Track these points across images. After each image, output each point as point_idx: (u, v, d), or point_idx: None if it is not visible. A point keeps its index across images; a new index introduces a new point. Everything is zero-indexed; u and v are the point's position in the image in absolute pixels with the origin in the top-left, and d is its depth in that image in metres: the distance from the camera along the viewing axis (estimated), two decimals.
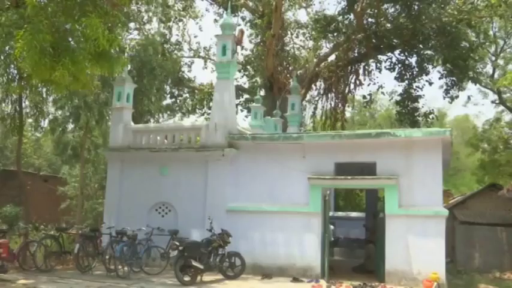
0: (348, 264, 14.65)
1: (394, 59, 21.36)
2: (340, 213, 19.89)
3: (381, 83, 24.05)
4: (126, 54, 15.90)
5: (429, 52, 20.56)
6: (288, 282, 11.21)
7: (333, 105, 22.79)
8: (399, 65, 21.18)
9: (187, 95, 25.95)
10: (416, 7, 19.43)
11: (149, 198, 13.56)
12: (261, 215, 12.40)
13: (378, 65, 21.81)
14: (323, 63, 22.51)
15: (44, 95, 14.84)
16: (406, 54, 21.01)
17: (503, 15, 20.09)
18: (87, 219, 18.80)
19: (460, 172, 39.57)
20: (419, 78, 21.01)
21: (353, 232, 17.70)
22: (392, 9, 20.77)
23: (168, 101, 24.49)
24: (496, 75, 27.48)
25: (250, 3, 22.69)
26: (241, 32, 14.21)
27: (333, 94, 22.70)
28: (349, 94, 23.21)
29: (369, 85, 24.78)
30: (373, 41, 20.54)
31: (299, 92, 19.97)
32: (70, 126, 17.94)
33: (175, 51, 23.73)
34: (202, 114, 25.29)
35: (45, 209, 19.43)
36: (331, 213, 14.11)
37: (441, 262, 10.98)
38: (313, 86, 23.07)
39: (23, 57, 8.81)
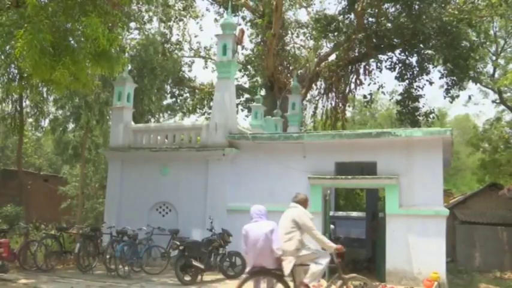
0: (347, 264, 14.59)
1: (394, 59, 21.32)
2: (340, 213, 19.89)
3: (381, 83, 24.04)
4: (126, 53, 15.86)
5: (430, 52, 20.50)
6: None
7: (333, 104, 22.74)
8: (400, 65, 21.13)
9: (187, 94, 26.01)
10: (416, 7, 19.36)
11: (150, 198, 13.57)
12: None
13: (379, 64, 21.76)
14: (323, 63, 22.47)
15: (45, 95, 14.80)
16: (407, 53, 20.96)
17: (504, 14, 20.10)
18: (88, 219, 18.76)
19: (460, 172, 39.56)
20: (420, 77, 20.95)
21: (353, 232, 17.68)
22: (393, 9, 20.71)
23: (168, 100, 24.59)
24: (496, 75, 27.40)
25: (251, 3, 22.68)
26: (242, 31, 14.22)
27: (333, 94, 22.65)
28: (350, 94, 23.17)
29: (369, 85, 24.77)
30: (374, 40, 20.49)
31: (299, 91, 19.95)
32: (70, 125, 17.92)
33: (176, 51, 23.76)
34: (203, 114, 25.35)
35: (46, 209, 19.44)
36: (331, 213, 14.09)
37: (442, 262, 10.97)
38: (313, 85, 23.04)
39: (23, 57, 8.79)
